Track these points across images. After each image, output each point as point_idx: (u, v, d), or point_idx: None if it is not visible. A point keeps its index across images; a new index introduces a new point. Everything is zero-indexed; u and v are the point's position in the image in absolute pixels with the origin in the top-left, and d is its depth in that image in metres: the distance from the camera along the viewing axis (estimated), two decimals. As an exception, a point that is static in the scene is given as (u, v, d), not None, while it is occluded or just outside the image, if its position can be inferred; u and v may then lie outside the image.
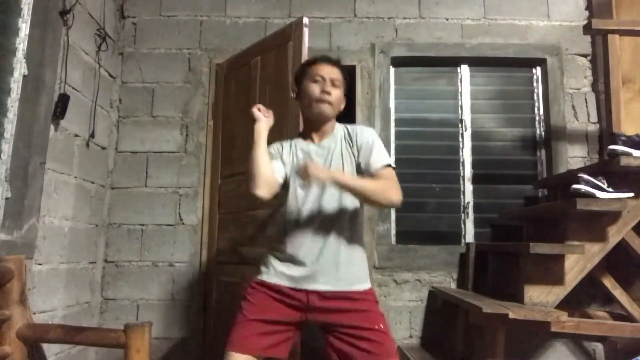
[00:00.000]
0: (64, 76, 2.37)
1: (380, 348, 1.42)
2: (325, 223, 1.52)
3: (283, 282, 1.50)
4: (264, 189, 1.51)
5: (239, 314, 1.52)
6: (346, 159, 1.59)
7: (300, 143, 1.65)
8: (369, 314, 1.48)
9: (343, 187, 1.47)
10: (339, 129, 1.65)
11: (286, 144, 1.66)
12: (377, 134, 1.64)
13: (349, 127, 1.65)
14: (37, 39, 2.18)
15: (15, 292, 1.69)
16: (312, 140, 1.63)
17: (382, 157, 1.56)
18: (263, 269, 1.57)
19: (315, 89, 1.58)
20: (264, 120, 1.58)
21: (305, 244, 1.51)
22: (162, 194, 2.94)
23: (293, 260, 1.51)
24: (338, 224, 1.53)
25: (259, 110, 1.60)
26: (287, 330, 1.49)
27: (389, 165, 1.56)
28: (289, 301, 1.49)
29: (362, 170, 1.57)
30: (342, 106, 1.67)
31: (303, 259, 1.49)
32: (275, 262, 1.55)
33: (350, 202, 1.55)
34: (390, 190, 1.51)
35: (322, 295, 1.48)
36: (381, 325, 1.46)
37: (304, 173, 1.38)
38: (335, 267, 1.50)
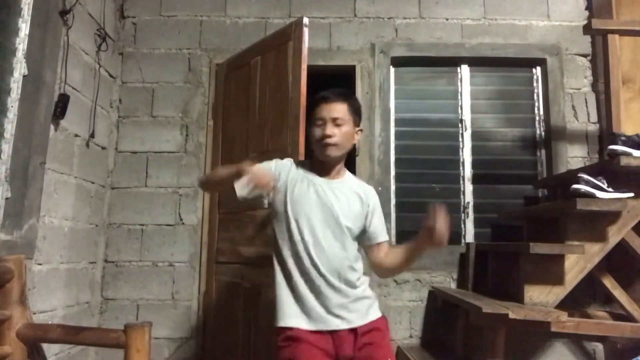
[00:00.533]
0: (64, 76, 2.37)
1: None
2: (333, 264, 1.54)
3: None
4: (204, 188, 1.76)
5: None
6: (358, 213, 1.61)
7: (310, 174, 1.61)
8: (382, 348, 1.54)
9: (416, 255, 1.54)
10: (349, 177, 1.67)
11: (290, 168, 1.62)
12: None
13: (356, 180, 1.70)
14: (37, 39, 2.18)
15: (15, 292, 1.69)
16: (320, 174, 1.61)
17: (384, 229, 1.68)
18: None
19: (316, 134, 1.56)
20: (254, 177, 1.42)
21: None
22: (162, 194, 2.94)
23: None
24: (346, 263, 1.56)
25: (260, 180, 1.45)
26: None
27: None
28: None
29: (362, 231, 1.63)
30: (355, 140, 1.64)
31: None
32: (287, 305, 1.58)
33: (350, 247, 1.60)
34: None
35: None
36: None
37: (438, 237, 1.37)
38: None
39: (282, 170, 1.61)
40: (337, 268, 1.52)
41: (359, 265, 1.61)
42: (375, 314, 1.60)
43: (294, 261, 1.53)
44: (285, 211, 1.56)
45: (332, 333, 1.50)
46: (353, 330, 1.52)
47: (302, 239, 1.52)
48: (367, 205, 1.63)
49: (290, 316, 1.50)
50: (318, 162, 1.63)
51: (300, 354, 1.45)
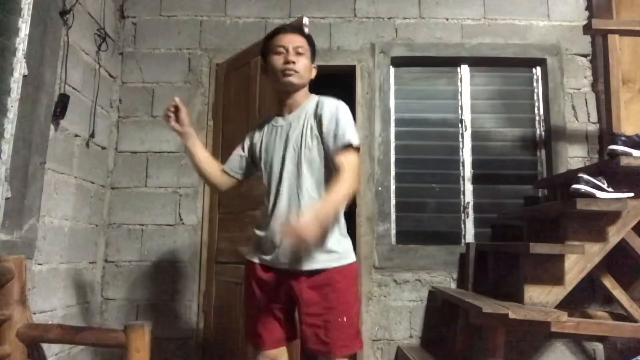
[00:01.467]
0: (64, 76, 2.37)
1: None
2: (293, 198, 1.51)
3: (258, 261, 1.58)
4: (217, 187, 1.74)
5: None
6: (307, 133, 1.53)
7: (272, 120, 1.65)
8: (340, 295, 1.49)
9: (329, 218, 1.38)
10: (312, 100, 1.60)
11: (258, 127, 1.69)
12: (346, 107, 1.56)
13: (322, 98, 1.59)
14: (37, 39, 2.18)
15: (15, 292, 1.69)
16: (282, 114, 1.62)
17: (346, 133, 1.47)
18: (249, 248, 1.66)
19: (278, 61, 1.54)
20: (184, 133, 1.68)
21: (276, 224, 1.51)
22: (162, 194, 2.94)
23: (266, 242, 1.55)
24: (306, 195, 1.50)
25: (169, 115, 1.64)
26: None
27: (351, 145, 1.46)
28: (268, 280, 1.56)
29: (326, 143, 1.51)
30: (313, 74, 1.63)
31: (274, 240, 1.52)
32: (254, 243, 1.62)
33: (313, 172, 1.52)
34: (350, 186, 1.42)
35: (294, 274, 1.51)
36: (345, 318, 1.47)
37: (286, 239, 1.33)
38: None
39: (250, 138, 1.70)
40: (295, 195, 1.50)
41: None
42: (331, 262, 1.49)
43: (268, 203, 1.57)
44: (263, 168, 1.62)
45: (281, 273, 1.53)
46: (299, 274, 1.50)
47: (270, 180, 1.57)
48: (316, 115, 1.54)
49: (249, 252, 1.63)
50: (278, 101, 1.64)
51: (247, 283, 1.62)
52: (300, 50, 1.55)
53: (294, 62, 1.53)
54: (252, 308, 1.61)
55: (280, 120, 1.61)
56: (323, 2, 3.11)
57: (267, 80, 1.68)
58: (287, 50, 1.54)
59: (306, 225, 1.24)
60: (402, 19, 3.11)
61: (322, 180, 1.52)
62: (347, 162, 1.45)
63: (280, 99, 1.63)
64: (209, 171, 1.70)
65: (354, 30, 3.09)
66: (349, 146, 1.46)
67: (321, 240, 1.42)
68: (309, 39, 1.62)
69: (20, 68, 2.10)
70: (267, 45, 1.61)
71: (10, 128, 2.06)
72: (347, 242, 1.57)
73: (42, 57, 2.19)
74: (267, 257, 1.54)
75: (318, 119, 1.53)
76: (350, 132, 1.48)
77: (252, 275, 1.59)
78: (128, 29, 3.09)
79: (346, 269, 1.52)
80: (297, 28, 1.64)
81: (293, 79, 1.54)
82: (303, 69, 1.56)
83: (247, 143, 1.71)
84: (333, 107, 1.53)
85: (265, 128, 1.65)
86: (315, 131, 1.53)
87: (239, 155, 1.71)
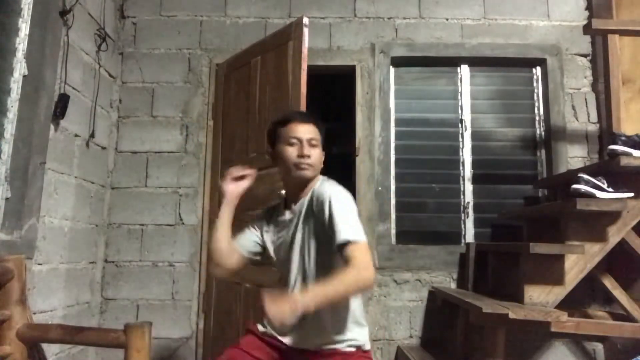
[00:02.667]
0: (64, 76, 2.37)
1: None
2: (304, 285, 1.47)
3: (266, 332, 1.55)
4: (217, 269, 1.56)
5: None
6: (307, 230, 1.48)
7: (275, 214, 1.61)
8: None
9: (320, 304, 1.27)
10: (315, 189, 1.51)
11: (266, 218, 1.64)
12: (339, 196, 1.42)
13: (317, 189, 1.49)
14: (37, 39, 2.18)
15: (15, 292, 1.70)
16: (288, 206, 1.57)
17: (344, 231, 1.33)
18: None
19: (292, 154, 1.48)
20: (230, 194, 1.56)
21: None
22: (162, 194, 2.94)
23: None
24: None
25: (233, 177, 1.57)
26: None
27: (352, 242, 1.31)
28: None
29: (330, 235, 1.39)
30: (322, 162, 1.57)
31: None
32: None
33: (324, 261, 1.45)
34: (360, 279, 1.28)
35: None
36: None
37: (270, 322, 1.24)
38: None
39: (260, 227, 1.64)
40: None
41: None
42: (345, 343, 1.45)
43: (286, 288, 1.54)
44: (275, 259, 1.60)
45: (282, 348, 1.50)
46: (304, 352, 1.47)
47: (284, 272, 1.55)
48: (316, 207, 1.45)
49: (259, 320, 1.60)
50: (288, 186, 1.57)
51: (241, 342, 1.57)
52: (314, 142, 1.50)
53: (309, 157, 1.48)
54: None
55: (287, 214, 1.57)
56: (323, 2, 3.11)
57: (277, 167, 1.60)
58: (301, 142, 1.48)
59: (289, 301, 1.19)
60: (402, 19, 3.11)
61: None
62: (352, 255, 1.30)
63: (288, 188, 1.58)
64: (223, 245, 1.54)
65: (354, 30, 3.09)
66: (349, 243, 1.32)
67: (331, 325, 1.44)
68: (319, 127, 1.56)
69: (20, 68, 2.10)
70: (277, 133, 1.54)
71: (10, 128, 2.06)
72: (361, 331, 1.49)
73: (42, 57, 2.19)
74: (279, 335, 1.51)
75: (315, 212, 1.45)
76: (347, 230, 1.33)
77: (250, 342, 1.55)
78: (128, 29, 3.09)
79: (355, 355, 1.45)
80: (309, 117, 1.56)
81: (307, 173, 1.49)
82: (317, 161, 1.51)
83: (258, 231, 1.63)
84: (326, 197, 1.41)
85: (272, 221, 1.62)
86: (315, 228, 1.46)
87: (255, 242, 1.61)
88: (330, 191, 1.43)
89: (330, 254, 1.39)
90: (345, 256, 1.31)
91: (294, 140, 1.49)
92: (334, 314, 1.45)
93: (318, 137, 1.52)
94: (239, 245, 1.58)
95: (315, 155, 1.50)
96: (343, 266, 1.31)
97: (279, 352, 1.51)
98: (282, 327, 1.26)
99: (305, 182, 1.52)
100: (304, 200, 1.52)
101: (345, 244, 1.31)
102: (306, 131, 1.50)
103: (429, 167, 3.05)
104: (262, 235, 1.62)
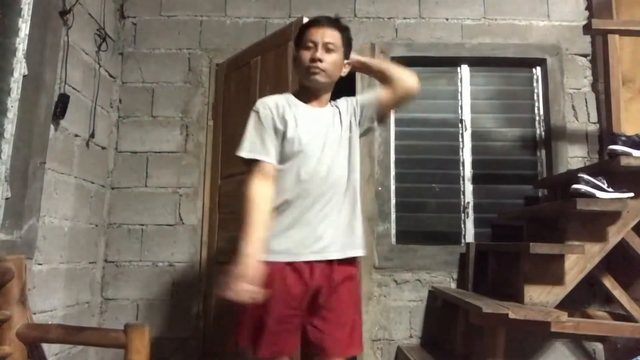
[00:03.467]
0: (64, 76, 2.37)
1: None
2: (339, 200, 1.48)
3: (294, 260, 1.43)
4: None
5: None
6: (343, 131, 1.54)
7: (299, 105, 1.53)
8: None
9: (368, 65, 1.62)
10: (329, 105, 1.59)
11: (277, 104, 1.51)
12: None
13: (335, 103, 1.60)
14: (37, 39, 2.18)
15: (15, 292, 1.69)
16: (312, 104, 1.54)
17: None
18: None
19: (306, 57, 1.48)
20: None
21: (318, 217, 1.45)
22: (162, 194, 2.94)
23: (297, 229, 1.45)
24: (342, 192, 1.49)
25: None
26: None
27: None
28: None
29: (366, 120, 1.60)
30: (343, 71, 1.56)
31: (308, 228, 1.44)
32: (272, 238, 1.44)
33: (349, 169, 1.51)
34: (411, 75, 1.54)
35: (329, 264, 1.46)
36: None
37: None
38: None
39: (272, 119, 1.49)
40: (341, 199, 1.48)
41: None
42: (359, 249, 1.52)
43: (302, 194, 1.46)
44: (296, 152, 1.47)
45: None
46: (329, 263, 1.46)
47: (309, 169, 1.46)
48: (349, 108, 1.59)
49: (275, 252, 1.46)
50: (305, 93, 1.55)
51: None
52: (330, 46, 1.47)
53: (320, 60, 1.45)
54: (275, 320, 1.41)
55: (313, 110, 1.52)
56: (323, 2, 3.11)
57: (299, 77, 1.59)
58: (316, 45, 1.47)
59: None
60: (402, 19, 3.11)
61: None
62: None
63: (307, 92, 1.55)
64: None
65: (354, 30, 3.02)
66: None
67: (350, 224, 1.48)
68: (344, 32, 1.53)
69: (20, 68, 2.10)
70: (299, 37, 1.54)
71: (10, 128, 2.06)
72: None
73: (42, 57, 2.19)
74: (309, 250, 1.43)
75: (354, 106, 1.60)
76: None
77: (281, 280, 1.41)
78: (128, 29, 3.09)
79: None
80: (332, 21, 1.52)
81: (318, 78, 1.48)
82: (331, 66, 1.48)
83: (272, 123, 1.49)
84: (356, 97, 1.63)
85: (295, 110, 1.51)
86: (356, 119, 1.58)
87: (274, 146, 1.48)
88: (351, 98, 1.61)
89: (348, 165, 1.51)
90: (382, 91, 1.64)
91: (310, 44, 1.47)
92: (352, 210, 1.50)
93: (338, 42, 1.49)
94: (273, 165, 1.46)
95: (330, 60, 1.47)
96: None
97: (309, 272, 1.43)
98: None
99: (318, 89, 1.51)
100: (332, 108, 1.57)
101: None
102: (324, 34, 1.47)
103: (429, 167, 3.05)
104: (282, 124, 1.48)
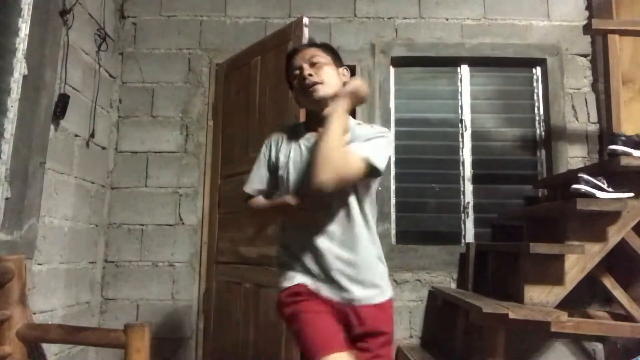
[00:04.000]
0: (64, 76, 2.37)
1: None
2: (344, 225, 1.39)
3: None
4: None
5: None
6: None
7: (303, 135, 1.47)
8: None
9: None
10: (352, 124, 1.45)
11: (278, 138, 1.50)
12: (388, 134, 1.43)
13: (359, 126, 1.46)
14: (37, 39, 2.18)
15: (15, 292, 1.70)
16: (316, 130, 1.42)
17: (369, 149, 1.31)
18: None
19: (299, 83, 1.44)
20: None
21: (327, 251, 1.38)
22: (162, 194, 2.94)
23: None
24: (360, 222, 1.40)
25: None
26: None
27: (369, 162, 1.28)
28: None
29: None
30: (345, 78, 1.48)
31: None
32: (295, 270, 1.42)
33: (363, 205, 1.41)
34: (345, 163, 1.26)
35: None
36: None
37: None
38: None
39: (270, 152, 1.50)
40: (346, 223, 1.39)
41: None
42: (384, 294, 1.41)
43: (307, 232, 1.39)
44: (286, 185, 1.43)
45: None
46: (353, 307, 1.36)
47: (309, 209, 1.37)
48: (355, 138, 1.39)
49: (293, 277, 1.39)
50: (311, 120, 1.48)
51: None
52: (314, 60, 1.43)
53: (310, 75, 1.40)
54: (312, 318, 1.33)
55: (308, 135, 1.45)
56: (323, 2, 3.11)
57: (305, 106, 1.52)
58: (301, 68, 1.43)
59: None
60: (402, 19, 3.11)
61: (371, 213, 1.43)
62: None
63: (313, 119, 1.47)
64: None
65: (354, 30, 3.09)
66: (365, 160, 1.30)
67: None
68: (323, 47, 1.49)
69: (20, 68, 2.10)
70: (286, 75, 1.53)
71: (10, 128, 2.06)
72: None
73: (42, 57, 2.19)
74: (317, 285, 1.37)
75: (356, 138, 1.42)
76: (377, 153, 1.32)
77: (299, 294, 1.36)
78: (128, 29, 3.09)
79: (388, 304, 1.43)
80: (308, 43, 1.53)
81: (317, 93, 1.40)
82: (327, 77, 1.42)
83: (266, 159, 1.51)
84: (373, 129, 1.42)
85: (294, 144, 1.46)
86: None
87: (268, 176, 1.50)
88: (382, 129, 1.43)
89: (358, 198, 1.38)
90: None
91: (297, 71, 1.44)
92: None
93: (322, 54, 1.45)
94: (258, 185, 1.49)
95: (322, 71, 1.42)
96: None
97: (331, 308, 1.36)
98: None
99: (321, 103, 1.41)
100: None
101: (364, 157, 1.32)
102: (303, 56, 1.44)
103: (429, 167, 3.05)
104: (276, 160, 1.47)
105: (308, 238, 1.37)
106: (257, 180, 1.51)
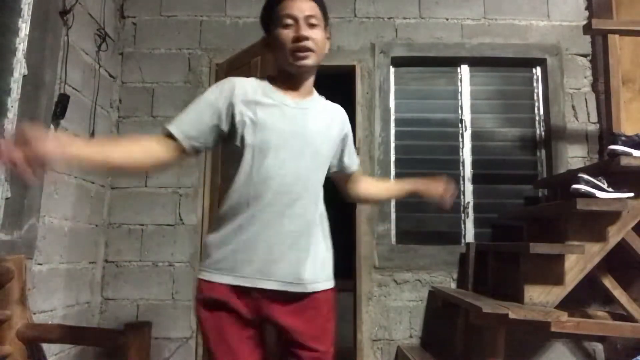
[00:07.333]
0: (64, 76, 2.37)
1: None
2: (304, 201, 1.23)
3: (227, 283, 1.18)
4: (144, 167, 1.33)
5: None
6: (336, 138, 1.33)
7: (274, 93, 1.25)
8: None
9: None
10: (318, 96, 1.35)
11: (246, 90, 1.25)
12: None
13: (329, 102, 1.36)
14: (37, 39, 2.18)
15: (15, 292, 1.70)
16: (290, 94, 1.28)
17: (356, 155, 1.47)
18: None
19: (287, 37, 1.21)
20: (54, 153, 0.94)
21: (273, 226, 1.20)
22: (162, 194, 2.94)
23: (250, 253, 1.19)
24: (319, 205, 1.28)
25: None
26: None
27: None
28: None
29: (339, 167, 1.41)
30: (327, 49, 1.30)
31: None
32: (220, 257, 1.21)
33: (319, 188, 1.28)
34: None
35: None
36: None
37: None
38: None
39: (225, 97, 1.23)
40: (308, 200, 1.23)
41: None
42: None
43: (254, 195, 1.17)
44: (243, 145, 1.19)
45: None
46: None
47: (262, 171, 1.17)
48: (343, 129, 1.35)
49: (209, 269, 1.22)
50: (282, 80, 1.28)
51: None
52: (313, 20, 1.22)
53: (307, 38, 1.20)
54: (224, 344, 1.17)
55: (288, 100, 1.25)
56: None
57: (271, 58, 1.34)
58: (297, 21, 1.21)
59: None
60: (402, 19, 3.11)
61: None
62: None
63: (286, 80, 1.28)
64: (132, 157, 1.16)
65: (354, 30, 3.09)
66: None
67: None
68: (321, 4, 1.27)
69: (20, 68, 2.10)
70: (270, 15, 1.29)
71: (10, 128, 2.06)
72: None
73: (42, 57, 2.19)
74: (245, 275, 1.16)
75: (343, 136, 1.36)
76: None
77: (216, 299, 1.17)
78: (128, 29, 3.09)
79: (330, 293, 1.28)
80: None
81: (308, 62, 1.22)
82: (319, 45, 1.23)
83: (224, 110, 1.21)
84: (349, 126, 1.41)
85: (260, 98, 1.23)
86: (339, 147, 1.36)
87: (209, 126, 1.21)
88: (347, 118, 1.41)
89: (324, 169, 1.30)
90: (358, 174, 1.49)
91: (289, 21, 1.21)
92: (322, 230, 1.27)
93: (319, 16, 1.24)
94: (181, 135, 1.19)
95: (316, 37, 1.22)
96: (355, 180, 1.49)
97: (257, 308, 1.18)
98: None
99: (306, 72, 1.26)
100: (315, 102, 1.31)
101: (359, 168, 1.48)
102: (302, 8, 1.22)
103: (429, 167, 3.04)
104: (232, 116, 1.21)
105: None
106: (190, 123, 1.21)
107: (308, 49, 1.21)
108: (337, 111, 1.38)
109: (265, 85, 1.29)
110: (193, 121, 1.22)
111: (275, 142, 1.19)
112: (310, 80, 1.31)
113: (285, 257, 1.17)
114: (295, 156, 1.20)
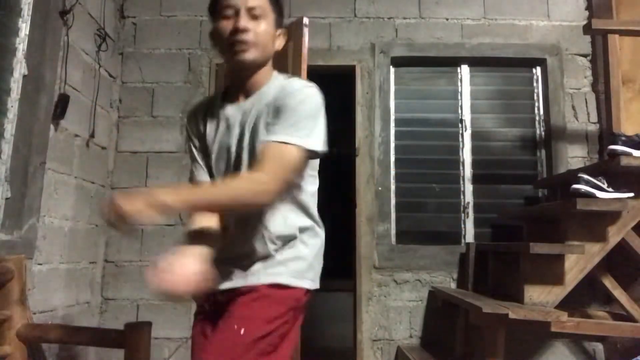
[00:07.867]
0: (64, 76, 2.37)
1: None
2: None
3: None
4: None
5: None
6: (262, 130, 1.12)
7: (221, 104, 1.21)
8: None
9: (189, 208, 1.10)
10: (276, 82, 1.18)
11: (200, 116, 1.24)
12: (318, 100, 1.13)
13: (291, 82, 1.16)
14: (37, 39, 2.18)
15: (15, 292, 1.70)
16: (237, 98, 1.19)
17: (285, 129, 1.06)
18: None
19: (226, 29, 1.12)
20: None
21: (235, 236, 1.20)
22: (162, 194, 2.94)
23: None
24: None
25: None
26: None
27: (287, 143, 1.05)
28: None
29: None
30: (279, 44, 1.19)
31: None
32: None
33: None
34: (258, 187, 1.03)
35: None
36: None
37: (108, 214, 1.00)
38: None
39: (192, 128, 1.25)
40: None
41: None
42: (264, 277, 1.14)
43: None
44: (214, 167, 1.22)
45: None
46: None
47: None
48: (277, 106, 1.11)
49: None
50: (232, 74, 1.22)
51: None
52: (256, 11, 1.11)
53: (245, 30, 1.10)
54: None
55: (229, 109, 1.18)
56: (323, 2, 3.11)
57: (216, 53, 1.24)
58: (237, 11, 1.11)
59: (144, 195, 0.99)
60: (402, 19, 3.11)
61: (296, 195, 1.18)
62: (272, 152, 1.04)
63: (233, 79, 1.21)
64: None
65: (354, 30, 3.09)
66: (282, 143, 1.05)
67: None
68: None
69: (20, 68, 2.10)
70: (212, 3, 1.18)
71: (10, 128, 2.06)
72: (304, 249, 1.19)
73: (42, 57, 2.19)
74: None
75: (274, 109, 1.11)
76: (300, 129, 1.06)
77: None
78: (128, 29, 3.09)
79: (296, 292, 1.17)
80: None
81: (246, 56, 1.11)
82: (261, 38, 1.12)
83: (194, 146, 1.26)
84: (295, 96, 1.10)
85: (209, 118, 1.21)
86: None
87: (202, 168, 1.25)
88: (307, 95, 1.11)
89: None
90: (261, 153, 1.06)
91: (230, 11, 1.12)
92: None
93: (265, 6, 1.13)
94: (205, 177, 1.23)
95: (259, 30, 1.11)
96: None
97: (215, 312, 1.20)
98: (132, 228, 1.00)
99: (247, 68, 1.15)
100: (261, 94, 1.16)
101: (281, 141, 1.04)
102: None
103: (429, 167, 3.05)
104: (198, 141, 1.23)
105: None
106: (200, 172, 1.25)
107: (245, 42, 1.10)
108: (275, 88, 1.16)
109: (213, 99, 1.28)
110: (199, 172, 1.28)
111: (214, 157, 1.21)
112: (259, 75, 1.17)
113: None
114: (228, 165, 1.18)
